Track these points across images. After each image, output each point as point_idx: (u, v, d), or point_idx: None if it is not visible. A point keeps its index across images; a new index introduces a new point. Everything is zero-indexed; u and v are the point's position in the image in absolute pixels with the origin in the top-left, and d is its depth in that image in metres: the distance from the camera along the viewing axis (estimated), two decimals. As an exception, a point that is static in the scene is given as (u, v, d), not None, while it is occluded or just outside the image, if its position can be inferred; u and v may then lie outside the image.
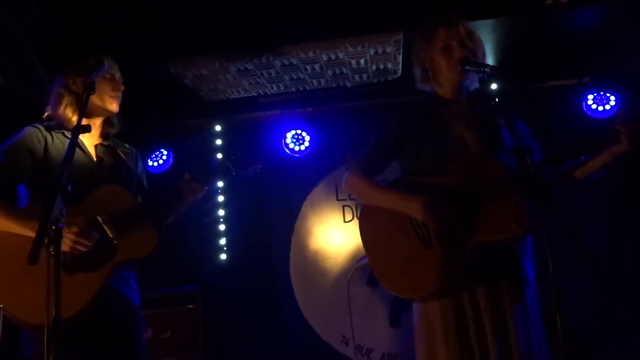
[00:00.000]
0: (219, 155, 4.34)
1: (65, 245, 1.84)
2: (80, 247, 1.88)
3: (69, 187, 1.49)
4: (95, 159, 2.13)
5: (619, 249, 3.71)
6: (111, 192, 2.08)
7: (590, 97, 3.91)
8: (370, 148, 2.18)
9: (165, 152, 4.34)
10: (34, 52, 2.97)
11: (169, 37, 3.18)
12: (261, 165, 2.38)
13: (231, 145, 4.37)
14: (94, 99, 2.04)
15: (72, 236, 1.85)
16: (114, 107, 2.14)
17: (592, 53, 3.65)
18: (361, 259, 3.70)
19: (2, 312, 1.86)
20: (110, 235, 1.98)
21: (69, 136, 2.03)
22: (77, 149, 2.00)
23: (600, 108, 3.89)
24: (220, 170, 2.27)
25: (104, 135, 2.20)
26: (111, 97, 2.12)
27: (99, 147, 2.17)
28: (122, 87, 2.16)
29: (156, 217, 2.14)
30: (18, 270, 1.78)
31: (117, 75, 2.16)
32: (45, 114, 2.14)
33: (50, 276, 1.38)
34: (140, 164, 2.33)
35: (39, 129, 2.06)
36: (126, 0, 2.94)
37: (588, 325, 3.61)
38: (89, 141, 2.15)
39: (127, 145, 2.29)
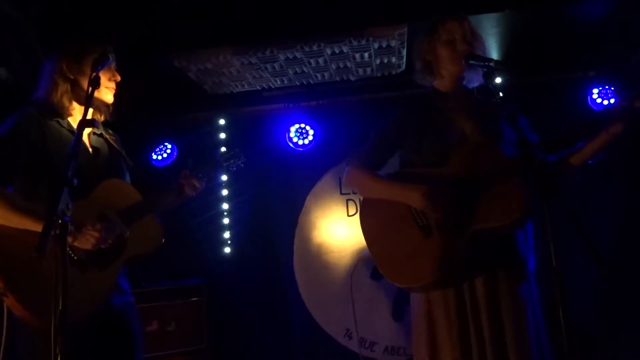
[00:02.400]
0: (223, 149, 4.34)
1: (89, 242, 1.84)
2: (105, 243, 1.88)
3: (75, 181, 1.49)
4: (91, 150, 2.10)
5: (627, 243, 3.68)
6: (115, 186, 2.07)
7: (596, 90, 3.88)
8: (370, 143, 2.20)
9: (169, 146, 4.34)
10: (39, 46, 2.97)
11: (173, 31, 3.17)
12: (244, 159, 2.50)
13: (235, 138, 4.37)
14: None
15: (95, 233, 1.84)
16: (109, 97, 2.11)
17: (597, 46, 3.62)
18: (365, 252, 3.70)
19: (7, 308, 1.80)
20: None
21: (64, 125, 2.02)
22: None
23: (606, 102, 3.86)
24: (218, 164, 2.36)
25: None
26: (107, 87, 2.09)
27: (92, 136, 2.13)
28: (119, 78, 2.12)
29: (155, 211, 2.15)
30: (36, 266, 1.69)
31: (114, 64, 2.12)
32: (35, 98, 2.04)
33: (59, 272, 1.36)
34: (123, 151, 2.30)
35: (35, 115, 1.96)
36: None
37: (592, 319, 3.61)
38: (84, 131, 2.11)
39: (110, 132, 2.24)
